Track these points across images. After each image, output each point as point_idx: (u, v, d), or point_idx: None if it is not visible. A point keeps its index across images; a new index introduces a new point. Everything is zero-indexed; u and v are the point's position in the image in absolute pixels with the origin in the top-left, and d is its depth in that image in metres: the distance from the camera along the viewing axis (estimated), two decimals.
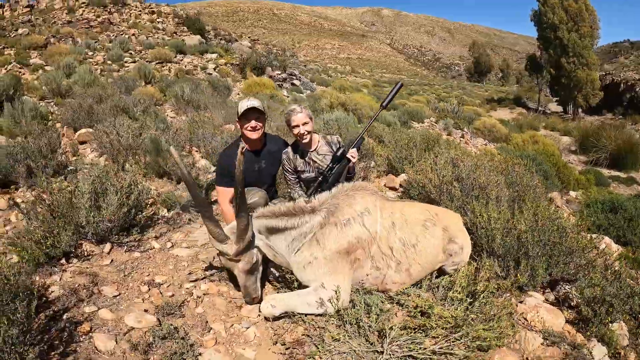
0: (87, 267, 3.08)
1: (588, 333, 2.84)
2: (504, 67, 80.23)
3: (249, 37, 47.90)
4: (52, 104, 10.53)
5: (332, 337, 2.38)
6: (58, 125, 8.28)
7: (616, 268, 3.29)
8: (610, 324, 2.87)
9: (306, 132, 3.43)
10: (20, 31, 23.91)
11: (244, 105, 3.37)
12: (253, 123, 3.40)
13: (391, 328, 2.39)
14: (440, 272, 3.17)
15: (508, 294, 2.96)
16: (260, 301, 2.78)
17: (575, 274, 3.26)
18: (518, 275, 2.98)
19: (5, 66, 16.40)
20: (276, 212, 2.82)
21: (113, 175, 3.63)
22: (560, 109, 37.27)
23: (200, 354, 2.29)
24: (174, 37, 26.92)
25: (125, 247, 3.45)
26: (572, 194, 10.06)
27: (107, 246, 3.38)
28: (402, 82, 3.83)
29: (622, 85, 33.92)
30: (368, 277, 2.86)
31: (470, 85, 64.56)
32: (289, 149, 3.67)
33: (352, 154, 3.39)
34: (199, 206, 2.65)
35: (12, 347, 1.94)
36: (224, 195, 3.46)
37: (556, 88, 36.01)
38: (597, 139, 15.35)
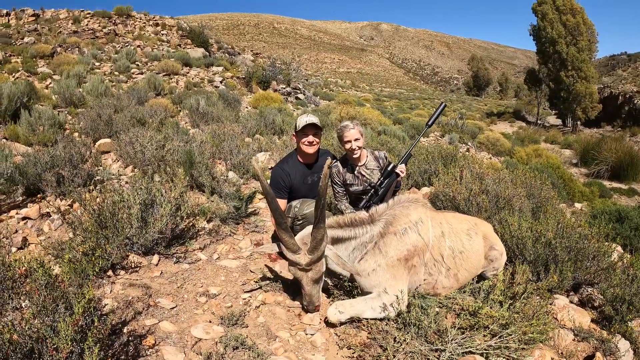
0: (137, 279, 3.11)
1: (612, 330, 3.10)
2: (502, 80, 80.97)
3: (251, 51, 48.34)
4: (65, 112, 10.59)
5: (396, 339, 2.54)
6: (75, 134, 8.39)
7: (632, 271, 3.52)
8: (630, 321, 3.15)
9: (357, 148, 3.65)
10: (26, 39, 24.06)
11: (304, 120, 3.57)
12: (310, 138, 3.62)
13: (453, 327, 2.60)
14: (480, 277, 3.43)
15: (539, 297, 3.12)
16: (319, 309, 2.93)
17: (597, 277, 3.53)
18: (554, 276, 3.21)
19: (13, 74, 16.53)
20: (341, 223, 3.01)
21: (163, 186, 3.74)
22: (559, 122, 37.67)
23: None
24: (178, 50, 27.15)
25: (174, 258, 3.50)
26: (577, 205, 10.23)
27: (155, 258, 3.43)
28: (445, 103, 4.06)
29: (620, 97, 34.34)
30: (423, 283, 3.08)
31: (469, 98, 65.18)
32: (338, 163, 3.87)
33: (401, 169, 3.62)
34: (276, 216, 2.76)
35: None
36: None
37: (555, 101, 36.44)
38: (598, 152, 15.58)
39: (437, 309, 2.90)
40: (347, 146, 3.66)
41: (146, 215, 3.50)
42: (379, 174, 3.70)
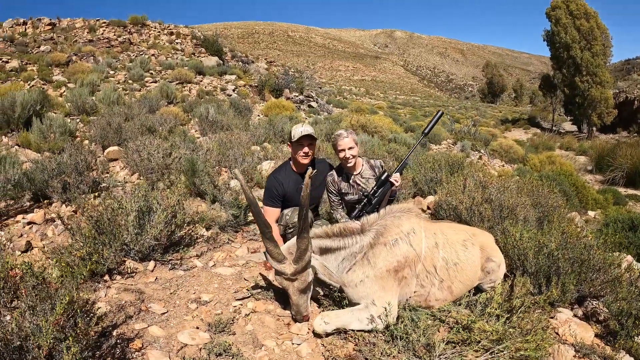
0: (131, 284, 3.15)
1: (616, 346, 2.95)
2: (517, 87, 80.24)
3: (265, 59, 48.71)
4: (77, 120, 10.78)
5: (383, 352, 2.49)
6: (85, 142, 8.52)
7: None
8: (636, 337, 2.98)
9: (351, 156, 3.61)
10: (42, 48, 24.61)
11: (299, 131, 3.56)
12: (306, 149, 3.62)
13: (442, 341, 2.53)
14: (477, 289, 3.32)
15: (540, 310, 3.02)
16: (308, 319, 2.88)
17: (602, 290, 3.40)
18: (553, 290, 3.10)
19: (29, 82, 16.88)
20: (329, 233, 2.98)
21: (160, 193, 3.77)
22: (574, 128, 37.06)
23: None
24: (192, 58, 27.42)
25: (169, 265, 3.54)
26: (591, 213, 9.96)
27: (151, 264, 3.48)
28: (442, 111, 4.00)
29: (636, 102, 33.61)
30: (414, 295, 3.01)
31: (484, 105, 64.60)
32: (334, 172, 3.84)
33: (395, 178, 3.57)
34: (260, 226, 2.75)
35: None
36: (270, 214, 3.63)
37: (570, 107, 35.84)
38: (613, 158, 15.26)
39: (429, 322, 2.83)
40: (341, 155, 3.63)
41: (143, 222, 3.54)
42: (375, 182, 3.66)
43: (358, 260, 2.92)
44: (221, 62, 28.16)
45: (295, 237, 2.87)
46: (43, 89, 15.50)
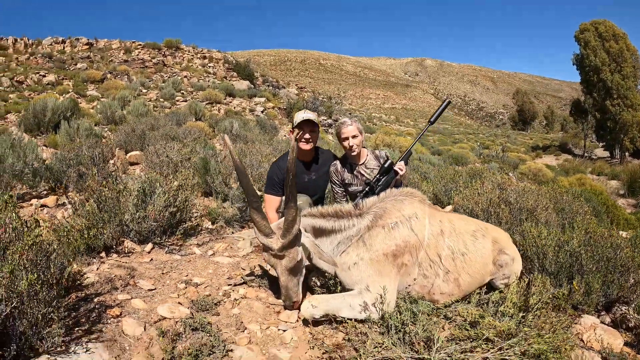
0: (125, 262, 3.13)
1: None
2: (548, 114, 78.45)
3: (296, 85, 49.64)
4: (106, 129, 11.13)
5: (376, 343, 2.25)
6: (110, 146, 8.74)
7: None
8: None
9: (355, 145, 3.46)
10: (79, 65, 25.76)
11: (300, 116, 3.47)
12: (307, 135, 3.50)
13: (446, 337, 2.30)
14: (490, 287, 3.04)
15: (560, 312, 2.75)
16: (299, 307, 2.68)
17: (632, 293, 3.08)
18: (575, 286, 2.81)
19: (63, 95, 17.61)
20: (324, 213, 2.80)
21: (163, 178, 3.74)
22: (607, 154, 35.75)
23: (231, 350, 2.20)
24: (223, 82, 28.13)
25: (167, 248, 3.51)
26: (622, 233, 9.43)
27: (149, 246, 3.44)
28: (450, 99, 3.80)
29: None
30: (415, 285, 2.76)
31: (514, 133, 63.47)
32: (337, 162, 3.69)
33: (400, 166, 3.38)
34: (248, 195, 2.58)
35: (37, 302, 1.92)
36: (270, 203, 3.51)
37: (602, 133, 34.67)
38: None
39: (434, 318, 2.55)
40: (345, 143, 3.48)
41: (145, 205, 3.52)
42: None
43: (353, 243, 2.72)
44: (252, 86, 28.79)
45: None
46: (74, 98, 16.22)
